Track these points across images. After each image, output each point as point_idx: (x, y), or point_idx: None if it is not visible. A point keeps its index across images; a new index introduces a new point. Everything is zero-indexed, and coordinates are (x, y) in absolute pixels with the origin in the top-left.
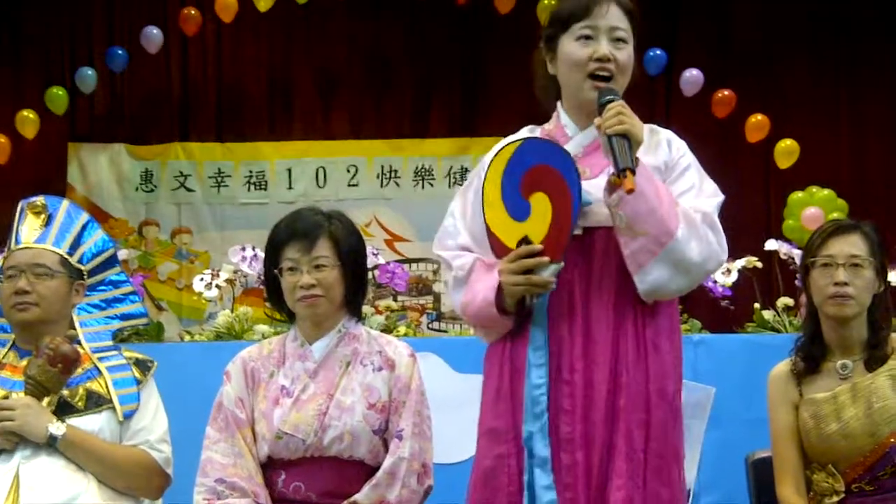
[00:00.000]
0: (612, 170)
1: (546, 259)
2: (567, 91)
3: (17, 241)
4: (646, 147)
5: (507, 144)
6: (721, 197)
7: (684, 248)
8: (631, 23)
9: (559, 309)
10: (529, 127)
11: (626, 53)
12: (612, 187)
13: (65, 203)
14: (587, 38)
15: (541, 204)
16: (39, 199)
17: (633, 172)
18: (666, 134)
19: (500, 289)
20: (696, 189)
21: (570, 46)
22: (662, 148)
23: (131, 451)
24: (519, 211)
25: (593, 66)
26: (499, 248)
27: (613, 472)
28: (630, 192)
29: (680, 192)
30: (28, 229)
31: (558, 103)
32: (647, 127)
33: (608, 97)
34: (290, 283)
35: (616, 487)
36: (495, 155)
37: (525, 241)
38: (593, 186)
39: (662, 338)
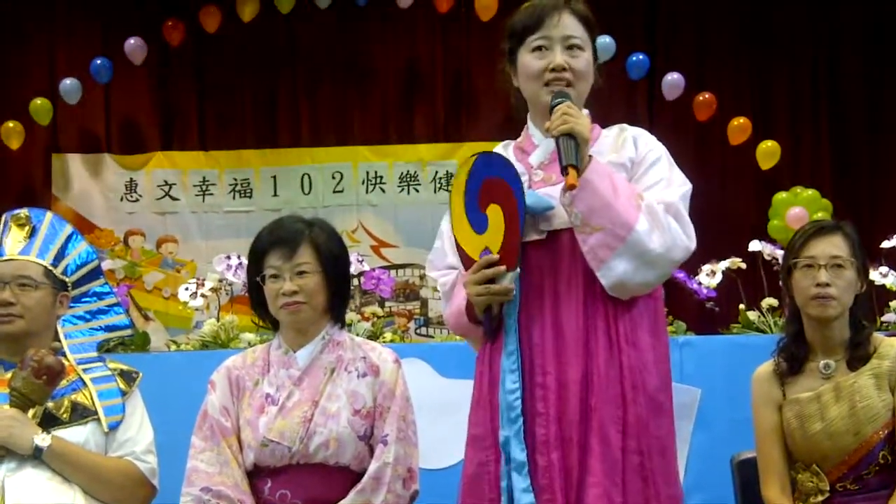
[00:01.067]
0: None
1: (502, 268)
2: (530, 102)
3: (0, 254)
4: (612, 145)
5: (468, 159)
6: (688, 186)
7: (645, 240)
8: (587, 29)
9: (529, 313)
10: (504, 142)
11: (582, 60)
12: (565, 188)
13: (49, 215)
14: (541, 48)
15: (495, 215)
16: (23, 212)
17: (576, 169)
18: (633, 131)
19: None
20: (664, 181)
21: (526, 58)
22: (628, 145)
23: (117, 462)
24: (479, 223)
25: (549, 76)
26: (466, 261)
27: (588, 472)
28: (571, 187)
29: (648, 186)
30: (12, 241)
31: (528, 115)
32: (616, 127)
33: (557, 100)
34: (273, 291)
35: (590, 485)
36: (457, 172)
37: (486, 251)
38: (558, 191)
39: (641, 332)
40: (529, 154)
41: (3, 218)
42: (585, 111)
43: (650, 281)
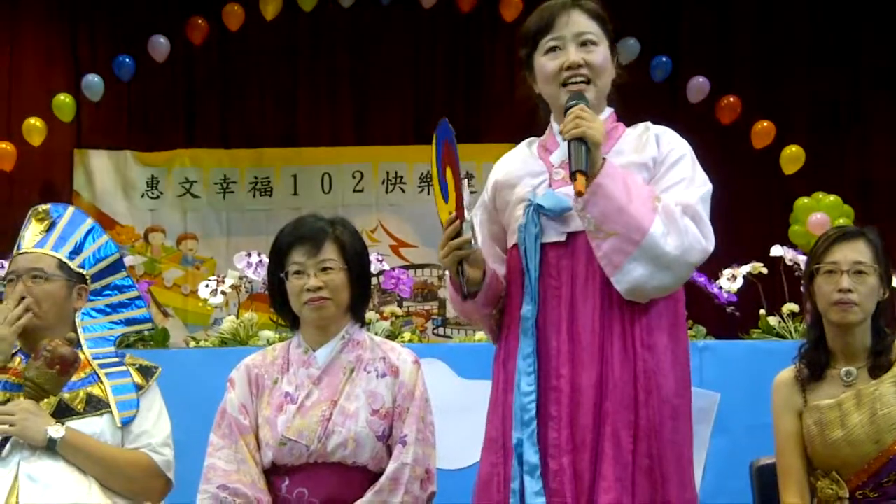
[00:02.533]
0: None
1: (457, 222)
2: (551, 104)
3: (19, 248)
4: (634, 144)
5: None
6: (708, 187)
7: (660, 243)
8: (600, 24)
9: (547, 316)
10: (529, 139)
11: (599, 55)
12: (577, 194)
13: (70, 209)
14: (555, 49)
15: (450, 177)
16: (43, 206)
17: (585, 175)
18: (656, 129)
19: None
20: (686, 181)
21: (541, 61)
22: (651, 145)
23: (132, 454)
24: (445, 191)
25: (566, 74)
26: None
27: (600, 477)
28: (579, 194)
29: (669, 186)
30: (30, 235)
31: (552, 115)
32: (641, 126)
33: (571, 102)
34: (297, 287)
35: (602, 490)
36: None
37: (451, 217)
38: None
39: (659, 334)
40: (551, 152)
41: (29, 214)
42: (610, 109)
43: (667, 285)
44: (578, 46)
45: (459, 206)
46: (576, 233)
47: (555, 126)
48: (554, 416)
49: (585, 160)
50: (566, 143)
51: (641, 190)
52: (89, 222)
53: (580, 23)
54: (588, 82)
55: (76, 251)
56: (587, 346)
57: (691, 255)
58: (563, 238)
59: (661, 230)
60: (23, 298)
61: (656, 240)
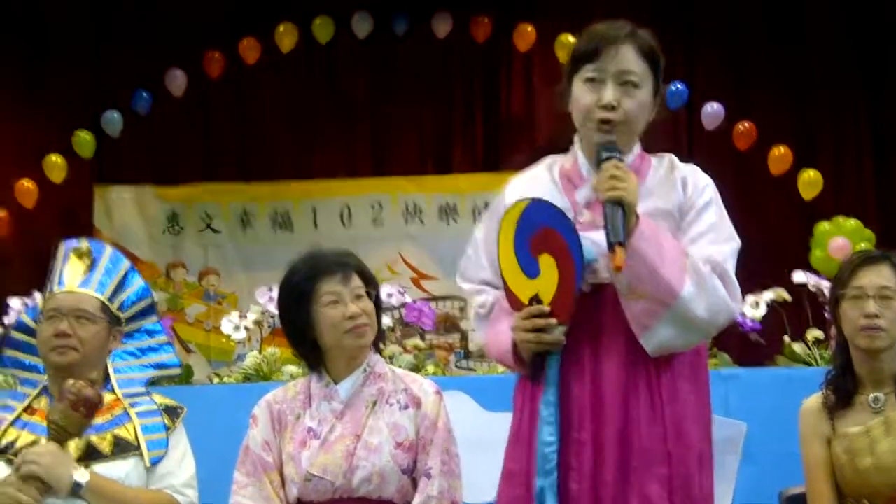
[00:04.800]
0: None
1: (554, 321)
2: (581, 133)
3: (60, 284)
4: (660, 187)
5: (518, 202)
6: (737, 243)
7: (690, 307)
8: (648, 63)
9: (569, 366)
10: (550, 158)
11: (636, 100)
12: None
13: (108, 249)
14: (594, 80)
15: (548, 266)
16: (84, 244)
17: (623, 246)
18: (684, 171)
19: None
20: (713, 232)
21: (579, 90)
22: (677, 189)
23: (156, 495)
24: (530, 268)
25: (598, 114)
26: (513, 301)
27: None
28: (617, 269)
29: (696, 236)
30: (72, 273)
31: (576, 136)
32: (667, 160)
33: (606, 155)
34: (335, 316)
35: None
36: (507, 210)
37: (536, 299)
38: (602, 237)
39: (681, 382)
40: (577, 188)
41: (61, 248)
42: (638, 145)
43: (693, 342)
44: (618, 85)
45: (563, 309)
46: (602, 284)
47: (580, 154)
48: (574, 468)
49: (622, 229)
50: (602, 204)
51: (673, 249)
52: (127, 264)
53: (627, 59)
54: (614, 125)
55: (116, 293)
56: (610, 399)
57: (719, 317)
58: (588, 288)
59: (691, 292)
60: (67, 336)
61: (686, 304)
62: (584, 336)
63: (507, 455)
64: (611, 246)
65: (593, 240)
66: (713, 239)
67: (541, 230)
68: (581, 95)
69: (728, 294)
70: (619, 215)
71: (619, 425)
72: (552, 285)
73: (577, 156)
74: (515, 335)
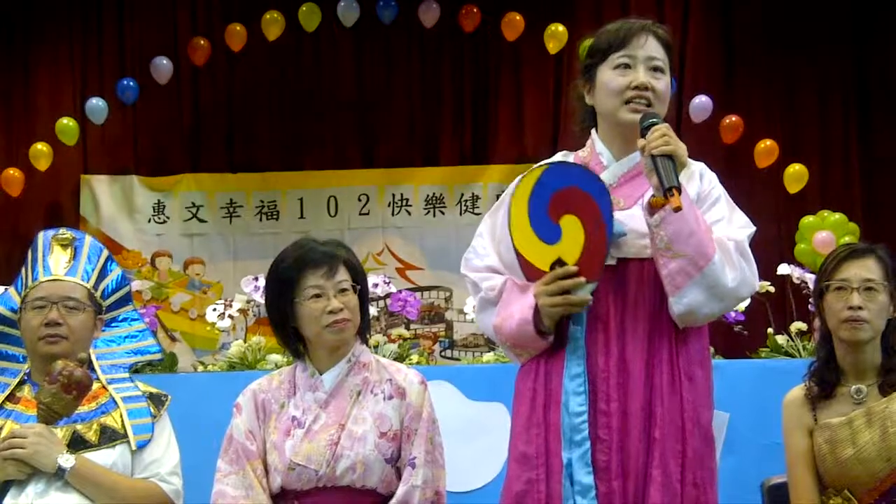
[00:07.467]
0: (645, 201)
1: (583, 280)
2: (604, 119)
3: (45, 273)
4: (682, 175)
5: (533, 169)
6: (752, 228)
7: (720, 274)
8: (667, 54)
9: (594, 339)
10: (563, 152)
11: (663, 83)
12: (651, 208)
13: (88, 237)
14: (625, 66)
15: (572, 226)
16: (67, 233)
17: (679, 191)
18: (698, 166)
19: (536, 310)
20: (726, 220)
21: (608, 75)
22: (695, 179)
23: (141, 483)
24: (549, 234)
25: (630, 93)
26: (530, 272)
27: (648, 501)
28: (678, 209)
29: (712, 222)
30: (56, 262)
31: (593, 131)
32: None
33: (652, 120)
34: (316, 310)
35: None
36: (521, 180)
37: (559, 262)
38: (627, 217)
39: (695, 367)
40: (598, 173)
41: (40, 237)
42: None
43: (715, 313)
44: (648, 70)
45: (592, 265)
46: (627, 259)
47: (598, 143)
48: (603, 440)
49: (676, 176)
50: (649, 158)
51: (704, 221)
52: (105, 252)
53: (653, 47)
54: (649, 105)
55: (98, 281)
56: (636, 372)
57: (743, 289)
58: (613, 262)
59: (720, 261)
60: (58, 324)
61: (717, 270)
62: (608, 310)
63: (516, 440)
64: (668, 190)
65: (619, 218)
66: (728, 224)
67: (561, 191)
68: (612, 79)
69: (749, 270)
70: (672, 165)
71: (645, 397)
72: (577, 246)
73: (594, 146)
74: (540, 301)
